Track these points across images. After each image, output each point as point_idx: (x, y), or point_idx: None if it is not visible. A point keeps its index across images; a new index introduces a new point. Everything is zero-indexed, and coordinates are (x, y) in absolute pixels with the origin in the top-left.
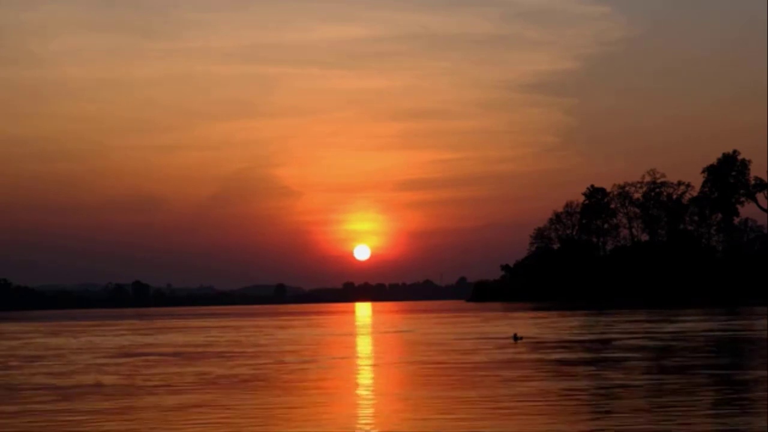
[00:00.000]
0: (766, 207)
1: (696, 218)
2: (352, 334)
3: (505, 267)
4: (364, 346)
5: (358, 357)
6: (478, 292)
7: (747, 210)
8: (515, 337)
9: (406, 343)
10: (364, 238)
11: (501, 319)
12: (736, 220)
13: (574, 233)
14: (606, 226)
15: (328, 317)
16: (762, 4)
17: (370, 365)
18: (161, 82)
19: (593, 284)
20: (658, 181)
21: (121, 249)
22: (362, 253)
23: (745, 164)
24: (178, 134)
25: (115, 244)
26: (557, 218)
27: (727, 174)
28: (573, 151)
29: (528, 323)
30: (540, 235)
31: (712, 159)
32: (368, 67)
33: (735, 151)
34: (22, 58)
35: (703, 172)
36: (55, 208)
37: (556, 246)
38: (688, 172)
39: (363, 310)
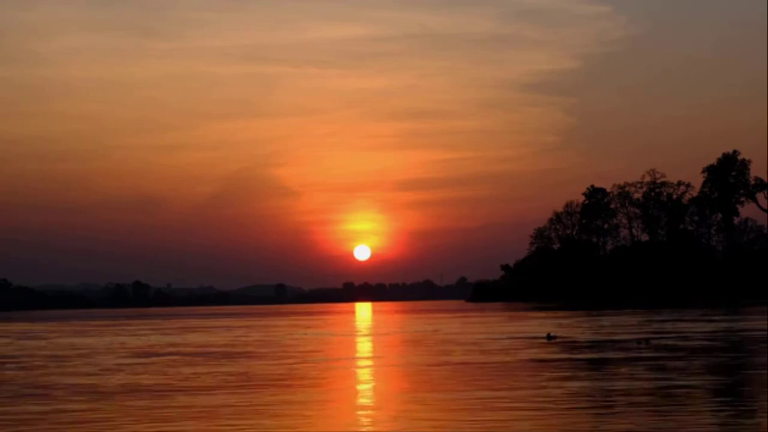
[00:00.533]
0: (766, 207)
1: (696, 218)
2: (380, 334)
3: (505, 267)
4: (401, 346)
5: (402, 358)
6: (478, 292)
7: (747, 210)
8: (549, 336)
9: (440, 343)
10: (364, 238)
11: (525, 319)
12: (736, 220)
13: (574, 233)
14: (606, 226)
15: (342, 317)
16: (762, 4)
17: (419, 366)
18: (161, 82)
19: (593, 284)
20: (658, 181)
21: (121, 249)
22: (362, 253)
23: (745, 164)
24: (178, 134)
25: (115, 244)
26: (557, 218)
27: (727, 174)
28: (573, 151)
29: (553, 323)
30: (540, 235)
31: (712, 159)
32: (368, 67)
33: (735, 151)
34: (23, 58)
35: (703, 172)
36: (55, 208)
37: (556, 246)
38: (688, 172)
39: (373, 311)
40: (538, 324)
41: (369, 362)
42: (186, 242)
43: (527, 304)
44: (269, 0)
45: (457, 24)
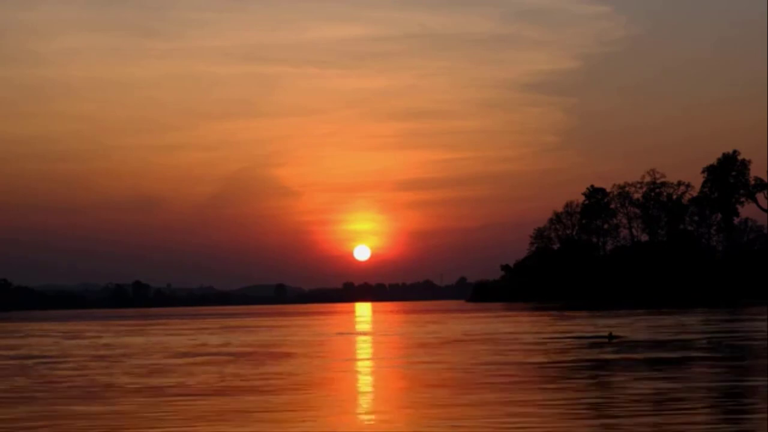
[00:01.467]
0: (766, 207)
1: (696, 218)
2: (429, 334)
3: (505, 267)
4: (455, 347)
5: (473, 359)
6: (478, 292)
7: (747, 210)
8: (610, 336)
9: (498, 343)
10: (364, 238)
11: (568, 319)
12: (736, 220)
13: (574, 233)
14: (606, 226)
15: (364, 316)
16: (762, 4)
17: (508, 366)
18: (161, 82)
19: (593, 284)
20: (658, 181)
21: (121, 249)
22: (362, 253)
23: (745, 164)
24: (178, 134)
25: (115, 244)
26: (557, 218)
27: (727, 174)
28: (573, 151)
29: (601, 324)
30: (540, 235)
31: (712, 159)
32: (368, 67)
33: (735, 151)
34: (23, 58)
35: (703, 172)
36: (55, 208)
37: (556, 246)
38: (688, 172)
39: (383, 311)
40: (586, 324)
41: (441, 364)
42: (186, 242)
43: (527, 304)
44: (269, 0)
45: (457, 24)
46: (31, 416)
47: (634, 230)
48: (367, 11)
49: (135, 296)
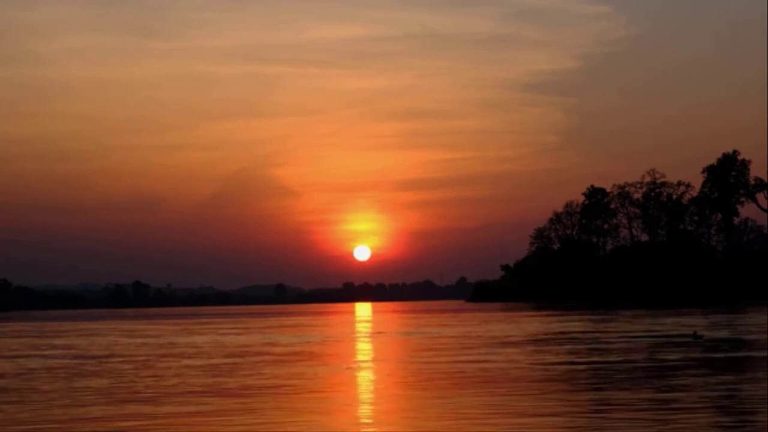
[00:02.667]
0: (766, 207)
1: (696, 218)
2: (466, 336)
3: (505, 267)
4: (541, 345)
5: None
6: (478, 292)
7: (747, 210)
8: (696, 336)
9: (583, 342)
10: (364, 238)
11: (641, 318)
12: (736, 220)
13: (574, 233)
14: (606, 226)
15: (389, 316)
16: (762, 4)
17: (613, 369)
18: (161, 82)
19: (593, 284)
20: (658, 181)
21: (121, 249)
22: (362, 253)
23: (745, 164)
24: (178, 134)
25: (115, 244)
26: (557, 218)
27: (727, 174)
28: (573, 151)
29: (682, 322)
30: (540, 235)
31: (712, 159)
32: (368, 67)
33: (735, 151)
34: (23, 58)
35: (703, 172)
36: (55, 208)
37: (556, 246)
38: (688, 172)
39: (392, 311)
40: (658, 324)
41: (505, 363)
42: (186, 242)
43: (528, 304)
44: (269, 0)
45: (457, 24)
46: (134, 415)
47: (634, 230)
48: (367, 11)
49: (135, 296)
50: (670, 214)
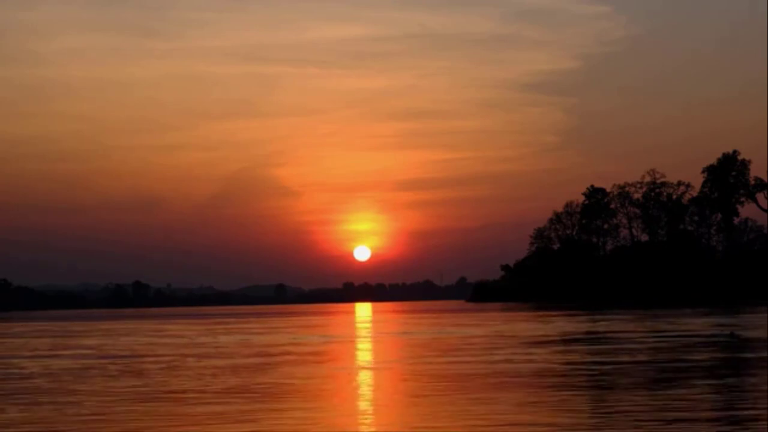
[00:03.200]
0: (766, 207)
1: (696, 218)
2: (531, 332)
3: (505, 267)
4: (573, 345)
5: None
6: (478, 292)
7: (747, 210)
8: (732, 335)
9: (619, 342)
10: (364, 238)
11: (664, 317)
12: (736, 220)
13: (574, 233)
14: (606, 226)
15: (397, 316)
16: (762, 4)
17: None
18: (161, 82)
19: (593, 284)
20: (658, 181)
21: (121, 249)
22: (362, 253)
23: (745, 164)
24: (178, 134)
25: (115, 244)
26: (557, 218)
27: (727, 174)
28: (573, 151)
29: (709, 322)
30: (540, 235)
31: (712, 159)
32: (368, 67)
33: (735, 151)
34: (23, 58)
35: (703, 172)
36: (55, 208)
37: (556, 246)
38: (688, 172)
39: (401, 310)
40: (688, 324)
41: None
42: (186, 242)
43: (528, 304)
44: (269, 0)
45: (457, 24)
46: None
47: (634, 230)
48: (367, 11)
49: (135, 296)
50: (670, 214)
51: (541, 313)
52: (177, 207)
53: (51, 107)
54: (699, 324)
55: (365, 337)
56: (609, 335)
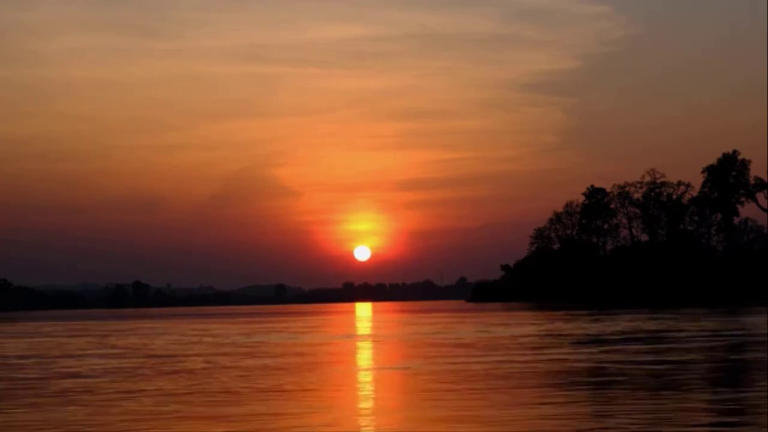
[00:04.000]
0: (766, 207)
1: (696, 218)
2: (538, 335)
3: (505, 267)
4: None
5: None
6: (478, 292)
7: (747, 210)
8: None
9: (668, 341)
10: (364, 238)
11: (707, 315)
12: (736, 220)
13: (574, 233)
14: (606, 226)
15: (423, 316)
16: (762, 4)
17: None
18: (161, 82)
19: (593, 284)
20: (658, 181)
21: (121, 249)
22: (362, 253)
23: (745, 164)
24: (178, 134)
25: (115, 244)
26: (557, 218)
27: (727, 174)
28: (573, 151)
29: (751, 322)
30: (540, 235)
31: (712, 159)
32: (368, 67)
33: (735, 151)
34: (23, 58)
35: (703, 172)
36: (55, 208)
37: (556, 246)
38: (688, 172)
39: (404, 310)
40: (729, 322)
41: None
42: (186, 242)
43: (528, 304)
44: (269, 0)
45: (457, 24)
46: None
47: (634, 230)
48: (367, 11)
49: (135, 296)
50: (670, 214)
51: (540, 313)
52: (177, 207)
53: (51, 107)
54: (740, 323)
55: (400, 336)
56: (654, 334)
